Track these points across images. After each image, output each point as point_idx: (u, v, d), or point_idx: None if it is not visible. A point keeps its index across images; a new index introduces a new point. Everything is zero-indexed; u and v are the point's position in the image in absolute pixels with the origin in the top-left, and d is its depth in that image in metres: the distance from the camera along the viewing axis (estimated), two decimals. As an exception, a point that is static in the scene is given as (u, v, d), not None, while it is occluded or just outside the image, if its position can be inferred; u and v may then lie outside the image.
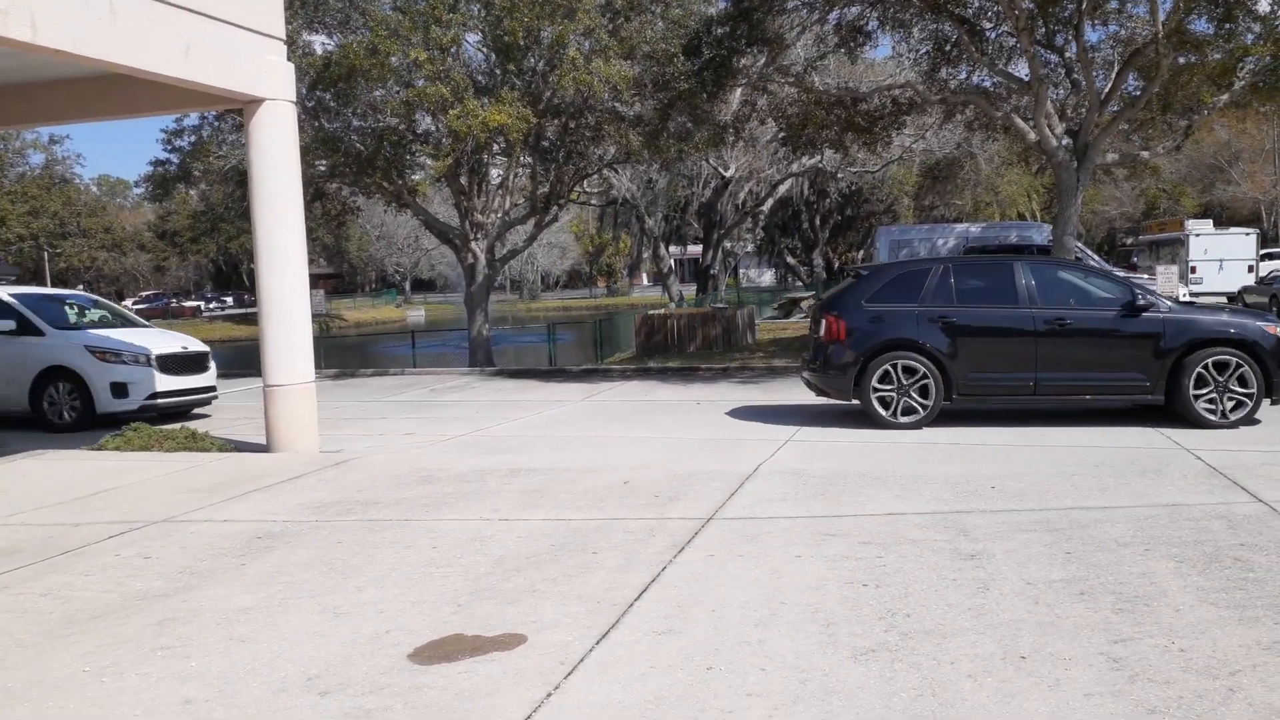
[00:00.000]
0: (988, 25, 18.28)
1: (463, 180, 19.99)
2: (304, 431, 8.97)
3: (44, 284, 65.62)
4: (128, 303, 67.86)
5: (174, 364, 12.05)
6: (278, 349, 8.87)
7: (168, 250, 54.79)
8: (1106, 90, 17.26)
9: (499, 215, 21.04)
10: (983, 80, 19.73)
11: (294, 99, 8.81)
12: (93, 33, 6.99)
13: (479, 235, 20.50)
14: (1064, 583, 4.67)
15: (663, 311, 24.23)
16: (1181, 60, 16.58)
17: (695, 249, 49.88)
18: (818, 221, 47.39)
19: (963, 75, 19.14)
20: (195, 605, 4.65)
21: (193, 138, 18.99)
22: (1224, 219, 60.10)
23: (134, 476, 7.87)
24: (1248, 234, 30.23)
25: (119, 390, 11.39)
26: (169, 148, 19.54)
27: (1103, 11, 17.60)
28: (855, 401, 9.84)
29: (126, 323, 13.29)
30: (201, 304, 61.64)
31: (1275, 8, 16.00)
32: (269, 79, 8.55)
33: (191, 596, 4.79)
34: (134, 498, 7.08)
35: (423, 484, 7.34)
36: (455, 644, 4.07)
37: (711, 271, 39.54)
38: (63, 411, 11.46)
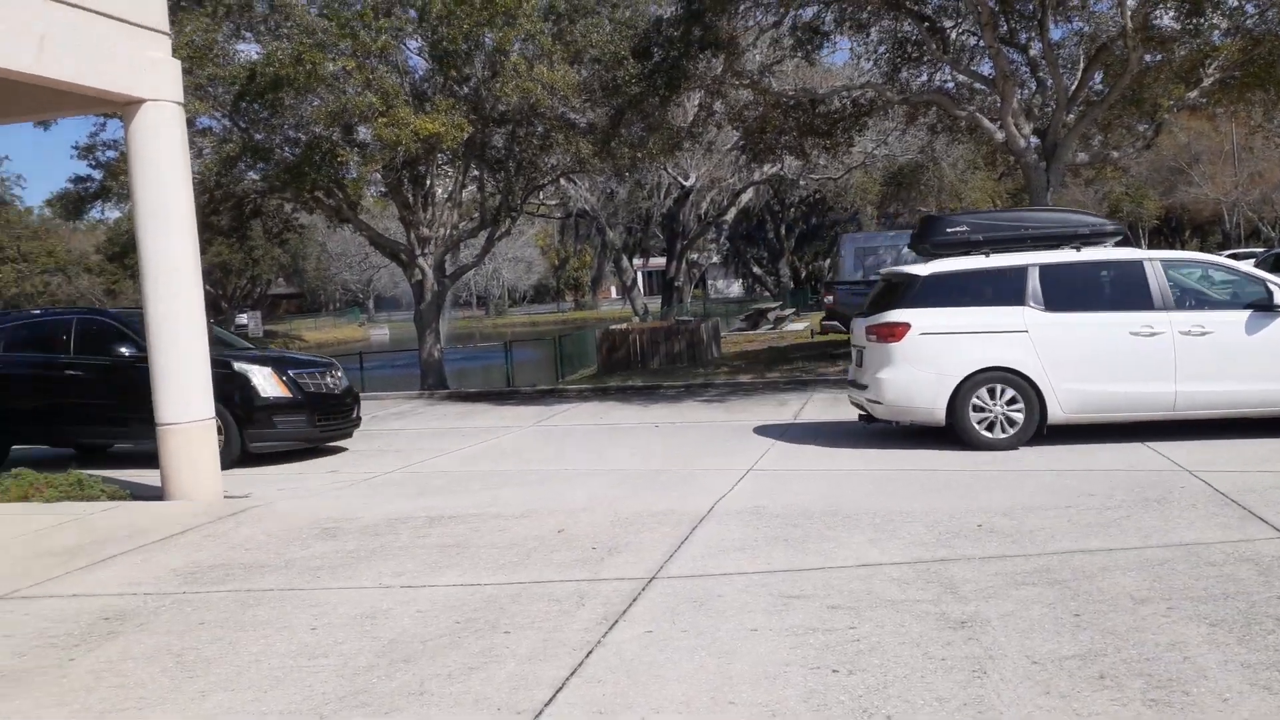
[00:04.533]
0: (948, 23, 17.60)
1: (406, 193, 18.95)
2: (203, 476, 7.91)
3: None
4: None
5: None
6: (170, 383, 7.81)
7: (118, 273, 52.65)
8: (1074, 87, 16.61)
9: (448, 229, 20.01)
10: (945, 81, 19.04)
11: (180, 100, 7.76)
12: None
13: (426, 251, 19.46)
14: (1078, 659, 3.79)
15: (625, 326, 23.31)
16: (1148, 58, 15.97)
17: (660, 261, 49.00)
18: (782, 231, 46.83)
19: (924, 77, 18.43)
20: (-19, 729, 3.64)
21: (112, 152, 17.76)
22: (1186, 221, 60.36)
23: (-6, 536, 6.80)
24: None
25: None
26: (92, 163, 18.29)
27: (1066, 7, 16.98)
28: None
29: None
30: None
31: (1241, 0, 15.42)
32: (149, 77, 7.51)
33: (-17, 714, 3.77)
34: (-22, 566, 6.02)
35: (323, 539, 6.33)
36: (301, 784, 3.10)
37: (676, 284, 38.70)
38: None
